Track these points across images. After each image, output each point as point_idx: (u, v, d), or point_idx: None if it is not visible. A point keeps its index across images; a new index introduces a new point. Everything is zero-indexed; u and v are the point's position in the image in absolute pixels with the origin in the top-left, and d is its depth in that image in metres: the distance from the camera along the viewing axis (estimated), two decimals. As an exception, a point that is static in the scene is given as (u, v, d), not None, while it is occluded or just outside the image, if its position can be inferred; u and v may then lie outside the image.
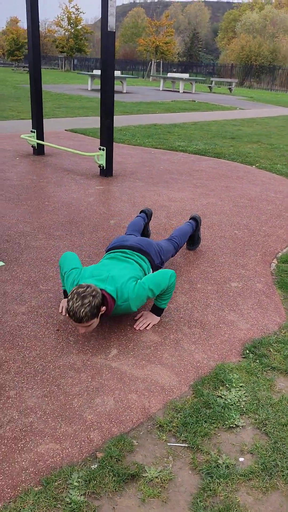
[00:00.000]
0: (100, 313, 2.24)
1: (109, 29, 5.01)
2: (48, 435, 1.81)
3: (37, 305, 2.73)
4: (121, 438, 1.82)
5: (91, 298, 2.15)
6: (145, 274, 2.65)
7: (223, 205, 4.84)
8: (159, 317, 2.62)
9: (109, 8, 4.90)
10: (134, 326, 2.55)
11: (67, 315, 2.56)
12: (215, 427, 1.90)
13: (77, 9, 44.20)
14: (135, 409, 1.98)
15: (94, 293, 2.17)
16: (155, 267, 2.80)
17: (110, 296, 2.32)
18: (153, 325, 2.58)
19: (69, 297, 2.15)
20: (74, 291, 2.17)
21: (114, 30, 5.06)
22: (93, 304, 2.15)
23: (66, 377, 2.13)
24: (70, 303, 2.13)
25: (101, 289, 2.29)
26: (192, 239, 3.59)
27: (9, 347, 2.32)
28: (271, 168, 6.74)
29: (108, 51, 5.10)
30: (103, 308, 2.25)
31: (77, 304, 2.12)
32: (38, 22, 6.00)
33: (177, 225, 4.14)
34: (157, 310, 2.62)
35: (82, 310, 2.11)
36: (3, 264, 3.21)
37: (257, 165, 6.96)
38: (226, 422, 1.92)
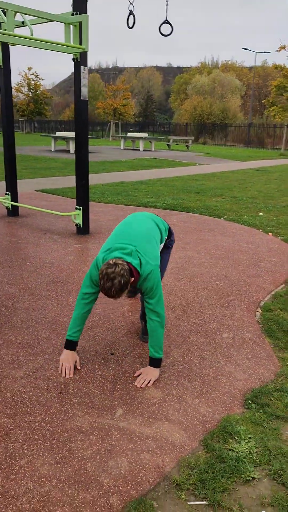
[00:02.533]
0: (130, 284, 2.39)
1: (82, 98, 5.30)
2: (67, 504, 1.76)
3: (34, 368, 2.70)
4: (141, 501, 1.79)
5: (119, 278, 2.30)
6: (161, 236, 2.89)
7: (200, 257, 5.01)
8: (158, 370, 2.64)
9: (81, 79, 5.22)
10: (135, 384, 2.56)
11: (66, 375, 2.57)
12: (232, 481, 1.91)
13: (36, 76, 46.10)
14: (149, 469, 1.96)
15: (122, 272, 2.31)
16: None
17: (136, 269, 2.45)
18: (154, 381, 2.59)
19: (100, 277, 2.32)
20: (104, 271, 2.31)
21: (87, 99, 5.36)
22: (122, 282, 2.30)
23: (76, 441, 2.10)
24: (102, 283, 2.31)
25: (127, 262, 2.42)
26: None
27: (12, 413, 2.27)
28: (238, 220, 7.06)
29: (81, 118, 5.36)
30: (132, 279, 2.40)
31: (108, 285, 2.29)
32: (11, 91, 6.27)
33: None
34: (154, 362, 2.64)
35: (113, 290, 2.30)
36: (-7, 328, 3.18)
37: (225, 217, 7.28)
38: (242, 476, 1.93)
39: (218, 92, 54.44)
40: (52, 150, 21.57)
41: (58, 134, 23.29)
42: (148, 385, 2.56)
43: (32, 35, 4.76)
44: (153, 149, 25.57)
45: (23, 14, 4.89)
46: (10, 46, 6.02)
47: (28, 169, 13.18)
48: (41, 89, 46.97)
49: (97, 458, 2.00)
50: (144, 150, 24.69)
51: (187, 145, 28.63)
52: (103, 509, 1.75)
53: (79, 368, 2.68)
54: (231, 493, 1.85)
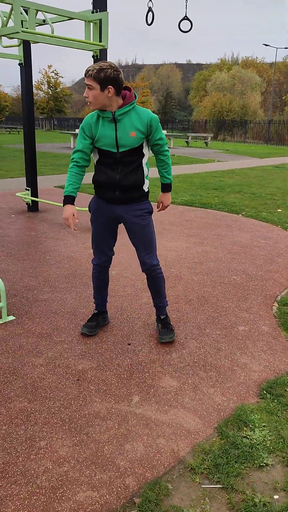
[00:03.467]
0: (107, 91, 2.40)
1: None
2: (84, 483, 1.83)
3: (53, 356, 2.78)
4: (156, 482, 1.85)
5: (108, 65, 2.38)
6: None
7: (218, 253, 5.04)
8: (170, 197, 2.99)
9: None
10: (157, 211, 3.04)
11: (73, 229, 2.60)
12: (246, 467, 1.95)
13: (56, 74, 46.48)
14: (165, 453, 2.02)
15: (115, 67, 2.40)
16: None
17: (132, 93, 2.53)
18: (171, 365, 2.64)
19: None
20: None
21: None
22: (104, 69, 2.36)
23: (93, 425, 2.17)
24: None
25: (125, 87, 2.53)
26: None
27: (32, 398, 2.35)
28: (257, 216, 7.04)
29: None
30: (111, 88, 2.40)
31: (96, 63, 2.40)
32: (32, 88, 6.38)
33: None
34: (166, 187, 2.94)
35: (93, 66, 2.37)
36: (14, 318, 3.27)
37: (243, 213, 7.27)
38: (256, 461, 1.97)
39: (238, 88, 53.99)
40: (71, 147, 21.75)
41: (77, 131, 23.45)
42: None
43: (53, 33, 4.84)
44: (171, 146, 25.55)
45: (44, 13, 4.98)
46: (31, 44, 6.13)
47: (47, 165, 13.35)
48: (61, 86, 47.36)
49: (114, 442, 2.07)
50: (162, 147, 24.67)
51: (206, 142, 28.51)
52: (119, 489, 1.81)
53: (77, 220, 2.61)
54: (245, 478, 1.89)
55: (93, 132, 2.59)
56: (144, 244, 2.82)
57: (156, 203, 3.06)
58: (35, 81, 46.39)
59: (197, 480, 1.88)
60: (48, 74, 46.32)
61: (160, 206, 3.02)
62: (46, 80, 46.18)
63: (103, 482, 1.84)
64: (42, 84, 46.36)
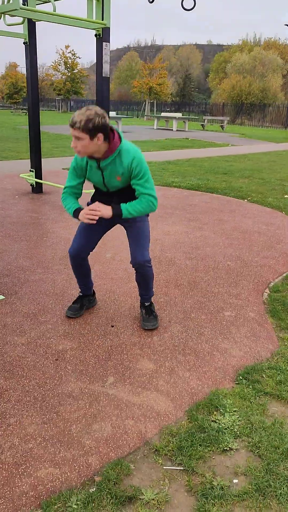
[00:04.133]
0: (97, 140, 2.34)
1: (103, 75, 5.31)
2: (47, 460, 1.86)
3: (36, 336, 2.81)
4: (118, 462, 1.87)
5: (94, 114, 2.29)
6: None
7: (216, 238, 4.99)
8: (111, 214, 2.59)
9: (103, 56, 5.21)
10: (85, 210, 2.59)
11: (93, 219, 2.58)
12: (210, 450, 1.96)
13: (73, 54, 45.99)
14: (131, 434, 2.04)
15: (101, 114, 2.32)
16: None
17: (118, 134, 2.46)
18: (150, 348, 2.65)
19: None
20: (86, 106, 2.34)
21: (109, 76, 5.35)
22: (91, 118, 2.28)
23: (64, 404, 2.20)
24: (76, 112, 2.33)
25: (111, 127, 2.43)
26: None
27: (9, 376, 2.39)
28: (262, 202, 6.95)
29: (103, 95, 5.37)
30: (100, 135, 2.34)
31: (80, 111, 2.30)
32: (37, 68, 6.34)
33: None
34: (116, 208, 2.60)
35: (79, 117, 2.28)
36: (3, 297, 3.31)
37: (249, 199, 7.18)
38: (220, 445, 1.98)
39: (259, 71, 52.82)
40: (85, 129, 21.65)
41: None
42: (94, 215, 2.56)
43: (55, 10, 4.78)
44: (186, 129, 25.25)
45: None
46: (40, 23, 6.06)
47: (59, 147, 13.33)
48: (78, 67, 46.89)
49: (83, 421, 2.10)
50: (177, 130, 24.41)
51: (222, 126, 28.09)
52: (81, 467, 1.85)
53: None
54: (207, 461, 1.90)
55: (84, 173, 2.67)
56: (137, 240, 2.81)
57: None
58: (52, 62, 46.06)
59: (160, 461, 1.90)
60: (65, 55, 45.86)
61: (94, 208, 2.58)
62: (63, 60, 45.76)
63: (66, 459, 1.88)
64: (59, 65, 45.96)
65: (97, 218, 2.58)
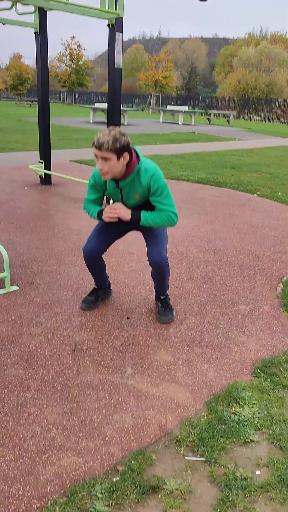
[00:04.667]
0: (123, 159, 2.39)
1: (116, 66, 5.27)
2: (70, 449, 1.87)
3: (52, 326, 2.81)
4: (140, 452, 1.88)
5: (118, 133, 2.34)
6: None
7: (227, 232, 4.98)
8: (129, 218, 2.61)
9: (116, 46, 5.18)
10: (107, 209, 2.63)
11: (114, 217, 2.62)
12: (231, 442, 1.96)
13: (78, 46, 45.80)
14: (152, 425, 2.04)
15: (123, 133, 2.36)
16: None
17: (136, 154, 2.50)
18: (167, 340, 2.65)
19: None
20: (107, 128, 2.40)
21: (121, 67, 5.32)
22: (117, 137, 2.32)
23: (84, 394, 2.20)
24: (99, 133, 2.35)
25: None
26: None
27: (27, 366, 2.40)
28: (272, 196, 6.92)
29: (115, 86, 5.35)
30: (126, 154, 2.39)
31: (104, 132, 2.34)
32: (47, 58, 6.30)
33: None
34: (136, 213, 2.61)
35: (106, 137, 2.32)
36: (18, 288, 3.31)
37: (258, 193, 7.15)
38: (242, 437, 1.98)
39: (265, 65, 52.46)
40: (91, 121, 21.59)
41: (98, 105, 23.19)
42: (114, 213, 2.60)
43: (68, 0, 4.74)
44: (192, 123, 25.13)
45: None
46: (48, 13, 6.02)
47: (65, 139, 13.29)
48: (83, 59, 46.68)
49: (103, 411, 2.10)
50: (183, 124, 24.30)
51: (228, 120, 27.95)
52: (103, 456, 1.85)
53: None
54: (228, 452, 1.91)
55: (103, 188, 2.70)
56: (154, 239, 2.80)
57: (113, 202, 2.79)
58: (57, 53, 45.84)
59: (181, 452, 1.90)
60: (71, 46, 45.64)
61: (114, 206, 2.62)
62: (68, 52, 45.54)
63: (88, 449, 1.88)
64: (64, 57, 45.74)
65: (116, 216, 2.60)
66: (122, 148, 2.35)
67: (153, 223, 2.62)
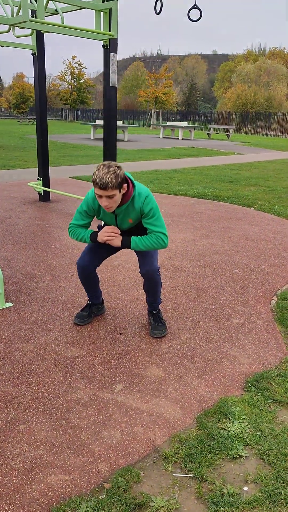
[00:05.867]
0: (122, 190, 2.47)
1: (111, 85, 5.36)
2: (57, 467, 1.86)
3: (45, 343, 2.82)
4: (128, 469, 1.87)
5: (116, 168, 2.40)
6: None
7: (223, 245, 5.00)
8: (119, 244, 2.70)
9: (111, 66, 5.27)
10: (108, 229, 2.70)
11: (113, 236, 2.70)
12: (219, 458, 1.95)
13: (79, 65, 46.53)
14: (141, 441, 2.04)
15: (118, 166, 2.43)
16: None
17: (131, 180, 2.59)
18: (158, 355, 2.65)
19: (96, 169, 2.41)
20: (101, 164, 2.43)
21: (116, 85, 5.41)
22: (117, 173, 2.39)
23: (74, 411, 2.20)
24: (97, 172, 2.39)
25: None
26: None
27: (18, 383, 2.40)
28: (269, 210, 6.95)
29: (110, 104, 5.43)
30: (125, 185, 2.49)
31: (103, 171, 2.38)
32: (45, 78, 6.42)
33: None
34: (127, 240, 2.70)
35: (108, 176, 2.36)
36: (12, 305, 3.33)
37: (255, 206, 7.19)
38: (230, 453, 1.97)
39: (264, 80, 53.06)
40: (92, 138, 21.82)
41: (98, 122, 23.48)
42: (108, 239, 2.69)
43: (63, 22, 4.85)
44: (192, 138, 25.36)
45: (55, 2, 4.99)
46: (48, 34, 6.15)
47: (66, 156, 13.43)
48: (85, 77, 47.39)
49: (92, 428, 2.10)
50: (183, 139, 24.52)
51: (227, 135, 28.18)
52: (91, 474, 1.84)
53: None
54: (216, 468, 1.90)
55: (96, 213, 2.77)
56: (145, 252, 2.85)
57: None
58: (59, 72, 46.56)
59: (169, 468, 1.89)
60: (72, 65, 46.37)
61: (114, 231, 2.70)
62: (69, 71, 46.26)
63: (76, 466, 1.88)
64: (65, 75, 46.47)
65: (112, 238, 2.71)
66: (122, 181, 2.45)
67: (144, 247, 2.69)
